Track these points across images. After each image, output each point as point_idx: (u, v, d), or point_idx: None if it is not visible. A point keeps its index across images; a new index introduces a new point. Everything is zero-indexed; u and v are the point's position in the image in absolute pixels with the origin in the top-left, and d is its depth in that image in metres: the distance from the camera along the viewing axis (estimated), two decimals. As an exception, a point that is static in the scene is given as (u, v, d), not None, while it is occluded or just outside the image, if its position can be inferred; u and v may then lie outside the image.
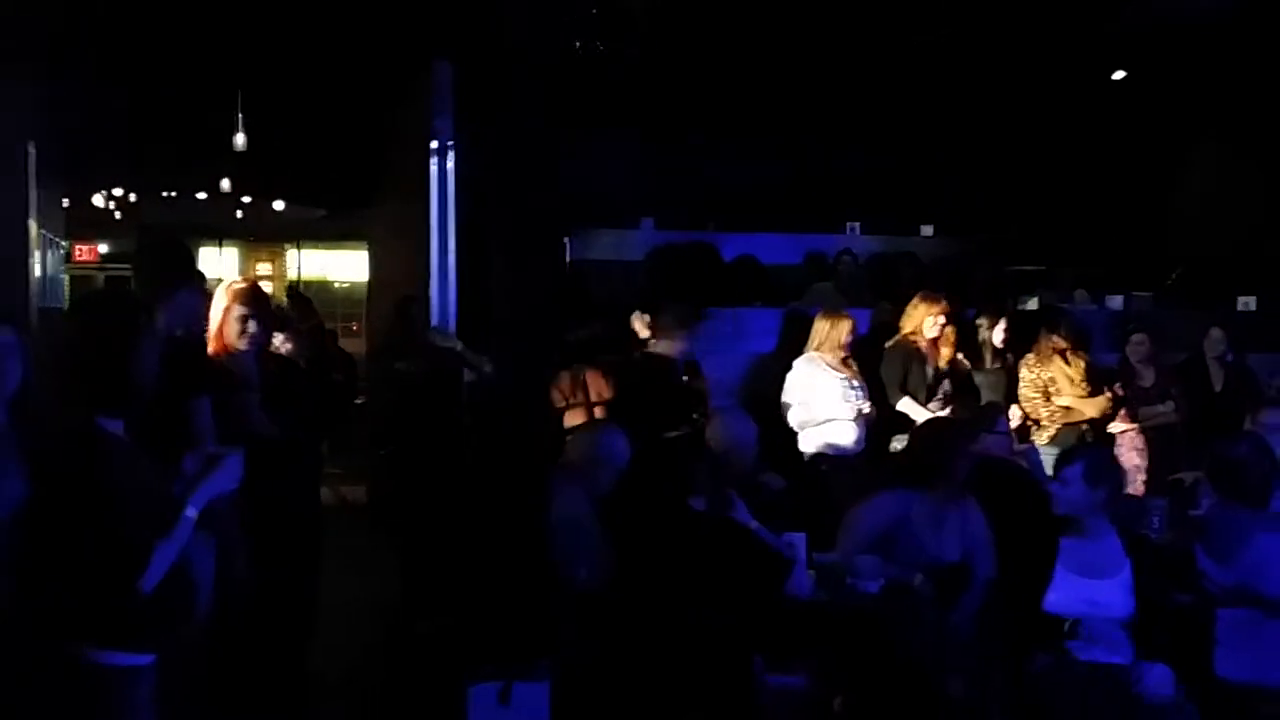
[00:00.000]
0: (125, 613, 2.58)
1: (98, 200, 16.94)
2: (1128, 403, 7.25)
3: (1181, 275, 10.23)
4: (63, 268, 10.92)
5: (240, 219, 19.32)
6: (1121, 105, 11.17)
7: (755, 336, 7.34)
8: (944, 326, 6.68)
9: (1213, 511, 4.44)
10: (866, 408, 6.39)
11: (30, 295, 7.27)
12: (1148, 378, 7.40)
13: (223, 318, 4.54)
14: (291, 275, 22.59)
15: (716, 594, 4.05)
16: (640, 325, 6.47)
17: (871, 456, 6.40)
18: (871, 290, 8.52)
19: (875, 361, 6.69)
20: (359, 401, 9.73)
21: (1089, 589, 4.13)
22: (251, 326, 4.56)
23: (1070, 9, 9.48)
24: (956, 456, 4.58)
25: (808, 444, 6.43)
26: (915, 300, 6.75)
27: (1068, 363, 7.07)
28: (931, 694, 3.81)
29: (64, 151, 9.26)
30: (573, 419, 5.74)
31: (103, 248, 20.21)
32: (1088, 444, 6.52)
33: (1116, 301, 9.00)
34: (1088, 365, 7.13)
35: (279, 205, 17.93)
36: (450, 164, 7.84)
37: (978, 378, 6.90)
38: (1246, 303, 8.82)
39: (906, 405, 6.49)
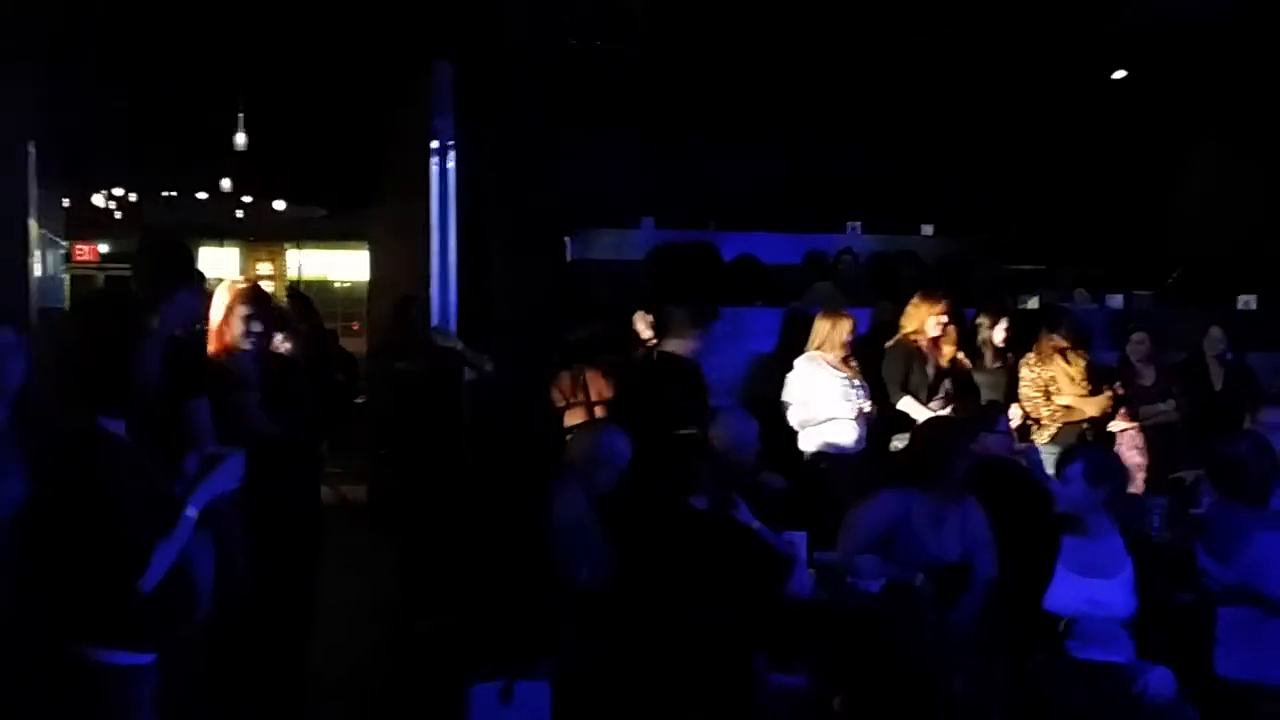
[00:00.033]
0: (126, 612, 2.58)
1: (98, 200, 16.98)
2: (1128, 401, 7.26)
3: (1182, 274, 10.23)
4: (63, 268, 10.90)
5: (241, 219, 19.36)
6: (1121, 105, 11.17)
7: (756, 336, 7.33)
8: (946, 326, 6.69)
9: (1213, 510, 4.44)
10: (867, 407, 6.39)
11: (30, 295, 7.25)
12: (1148, 376, 7.41)
13: (226, 317, 4.55)
14: (292, 275, 22.62)
15: (717, 593, 4.05)
16: (643, 325, 6.47)
17: (872, 456, 6.40)
18: (872, 289, 8.51)
19: (876, 361, 6.68)
20: (359, 401, 9.73)
21: (1090, 588, 4.13)
22: (256, 326, 4.57)
23: (1070, 9, 9.47)
24: (957, 456, 4.58)
25: (808, 443, 6.43)
26: (916, 299, 6.74)
27: (1068, 362, 7.07)
28: (932, 693, 3.80)
29: (64, 151, 9.24)
30: (573, 419, 5.74)
31: (103, 248, 20.24)
32: (1089, 443, 6.53)
33: (1117, 300, 9.00)
34: (1088, 364, 7.14)
35: (279, 205, 17.96)
36: (451, 164, 7.83)
37: (978, 377, 6.89)
38: (1246, 302, 8.83)
39: (907, 404, 6.49)
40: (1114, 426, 7.18)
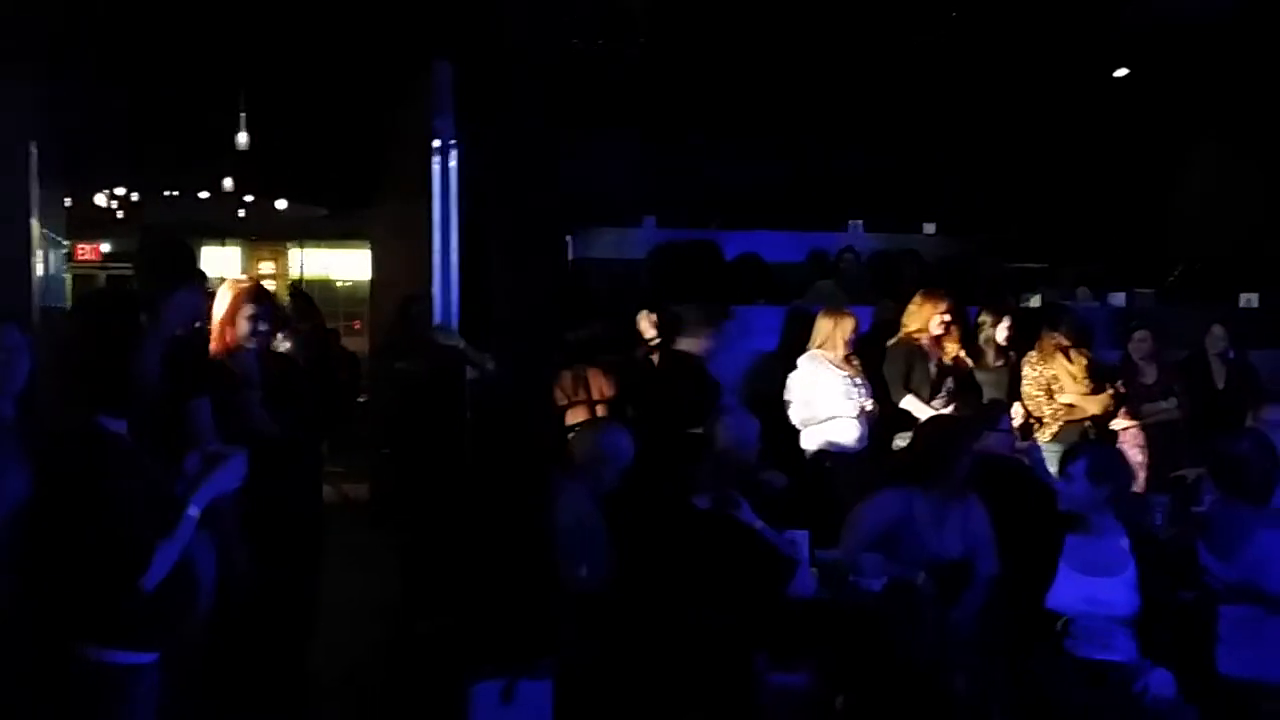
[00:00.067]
0: (127, 611, 2.58)
1: (100, 200, 17.00)
2: (1130, 400, 7.25)
3: (1183, 272, 10.23)
4: (65, 267, 10.89)
5: (242, 218, 19.38)
6: (1122, 104, 11.16)
7: (758, 334, 7.33)
8: (948, 324, 6.68)
9: (1215, 508, 4.43)
10: (869, 405, 6.40)
11: (32, 295, 7.24)
12: (1150, 375, 7.40)
13: (231, 316, 4.55)
14: (294, 274, 22.63)
15: (719, 593, 4.04)
16: (647, 324, 6.47)
17: (874, 454, 6.40)
18: (874, 288, 8.50)
19: (878, 359, 6.68)
20: (361, 400, 9.72)
21: (1093, 587, 4.12)
22: (262, 325, 4.57)
23: (1070, 9, 9.47)
24: (959, 454, 4.58)
25: (810, 442, 6.43)
26: (918, 298, 6.74)
27: (1070, 360, 7.07)
28: (934, 692, 3.80)
29: (66, 151, 9.23)
30: (574, 417, 5.74)
31: (105, 247, 20.25)
32: (1092, 441, 6.53)
33: (1118, 299, 8.99)
34: (1090, 362, 7.14)
35: (281, 204, 17.98)
36: (452, 163, 7.83)
37: (980, 375, 6.89)
38: (1248, 300, 8.82)
39: (910, 403, 6.49)
40: (1116, 425, 7.18)
